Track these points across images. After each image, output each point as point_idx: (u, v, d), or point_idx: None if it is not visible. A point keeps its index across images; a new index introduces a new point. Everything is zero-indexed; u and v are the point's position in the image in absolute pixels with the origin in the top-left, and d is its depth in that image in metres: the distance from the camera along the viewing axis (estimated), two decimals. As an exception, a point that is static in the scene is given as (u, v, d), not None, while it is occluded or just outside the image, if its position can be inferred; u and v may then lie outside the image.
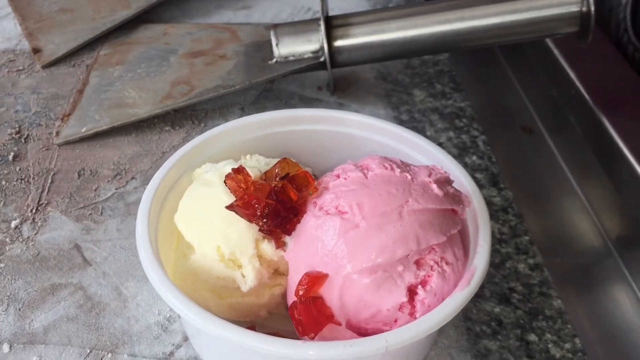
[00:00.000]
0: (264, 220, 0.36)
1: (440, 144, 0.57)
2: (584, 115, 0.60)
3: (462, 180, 0.40)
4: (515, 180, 0.57)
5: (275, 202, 0.36)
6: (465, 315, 0.43)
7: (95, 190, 0.51)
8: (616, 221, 0.58)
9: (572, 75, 0.62)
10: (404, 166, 0.38)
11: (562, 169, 0.65)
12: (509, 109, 0.73)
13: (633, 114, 0.58)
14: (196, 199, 0.39)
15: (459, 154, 0.56)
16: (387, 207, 0.35)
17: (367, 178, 0.36)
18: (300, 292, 0.34)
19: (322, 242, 0.35)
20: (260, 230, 0.37)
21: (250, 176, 0.37)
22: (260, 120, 0.46)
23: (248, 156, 0.43)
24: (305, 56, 0.59)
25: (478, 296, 0.44)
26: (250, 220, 0.36)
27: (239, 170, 0.37)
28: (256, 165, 0.40)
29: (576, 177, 0.63)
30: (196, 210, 0.39)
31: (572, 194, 0.63)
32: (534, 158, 0.66)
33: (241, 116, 0.46)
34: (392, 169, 0.37)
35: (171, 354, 0.40)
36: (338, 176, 0.37)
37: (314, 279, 0.35)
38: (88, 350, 0.40)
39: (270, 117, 0.46)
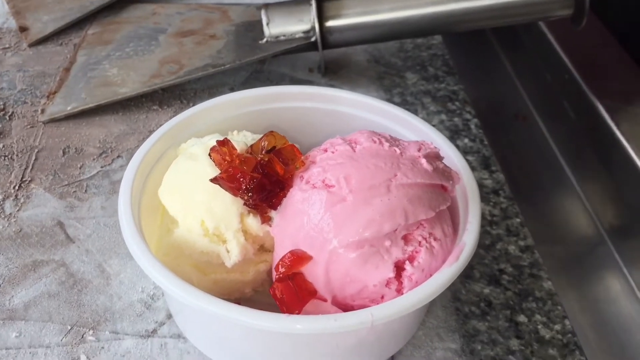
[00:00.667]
0: (249, 194, 0.35)
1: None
2: (577, 100, 0.60)
3: (452, 157, 0.40)
4: (507, 164, 0.56)
5: (261, 175, 0.35)
6: (454, 296, 0.42)
7: (80, 168, 0.50)
8: (609, 207, 0.58)
9: (565, 59, 0.62)
10: (393, 140, 0.37)
11: (555, 154, 0.64)
12: (502, 94, 0.72)
13: (627, 98, 0.57)
14: (181, 173, 0.38)
15: (451, 136, 0.55)
16: (374, 180, 0.34)
17: (355, 151, 0.36)
18: (281, 270, 0.34)
19: (308, 216, 0.34)
20: (245, 204, 0.36)
21: (235, 149, 0.37)
22: (248, 97, 0.45)
23: (235, 132, 0.42)
24: (297, 36, 0.58)
25: (467, 277, 0.43)
26: (235, 194, 0.36)
27: (224, 143, 0.36)
28: (243, 140, 0.39)
29: (569, 163, 0.63)
30: (180, 183, 0.38)
31: (565, 179, 0.62)
32: (527, 142, 0.66)
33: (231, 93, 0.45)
34: (380, 142, 0.36)
35: (154, 331, 0.39)
36: (326, 150, 0.37)
37: (298, 258, 0.34)
38: (69, 327, 0.39)
39: (258, 94, 0.45)
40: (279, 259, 0.34)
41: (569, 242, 0.58)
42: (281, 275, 0.33)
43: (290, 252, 0.34)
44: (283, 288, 0.33)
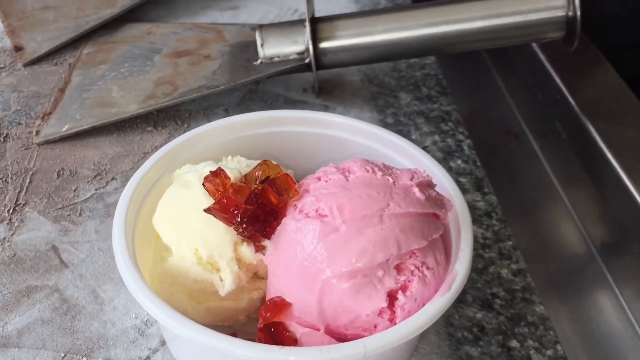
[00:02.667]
0: (243, 225, 0.35)
1: (425, 148, 0.56)
2: (569, 120, 0.60)
3: (444, 183, 0.40)
4: (499, 185, 0.57)
5: (255, 206, 0.36)
6: (447, 321, 0.42)
7: (74, 190, 0.51)
8: (600, 227, 0.58)
9: (557, 80, 0.62)
10: (386, 169, 0.37)
11: (548, 174, 0.65)
12: (496, 113, 0.73)
13: (617, 119, 0.58)
14: (175, 201, 0.38)
15: (444, 157, 0.56)
16: (367, 210, 0.34)
17: (348, 181, 0.36)
18: (262, 319, 0.34)
19: (302, 245, 0.34)
20: (239, 234, 0.36)
21: (229, 178, 0.37)
22: (242, 121, 0.45)
23: (229, 157, 0.42)
24: (291, 57, 0.58)
25: (460, 301, 0.43)
26: (228, 224, 0.36)
27: (217, 174, 0.36)
28: (237, 167, 0.40)
29: (561, 183, 0.63)
30: (174, 211, 0.38)
31: (557, 199, 0.63)
32: (519, 163, 0.66)
33: (225, 117, 0.45)
34: (373, 171, 0.36)
35: (147, 358, 0.39)
36: (319, 178, 0.37)
37: (276, 308, 0.35)
38: (62, 354, 0.39)
39: (252, 118, 0.45)
40: (261, 309, 0.35)
41: (561, 261, 0.59)
42: (262, 326, 0.34)
43: (268, 301, 0.35)
44: (265, 338, 0.34)
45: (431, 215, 0.36)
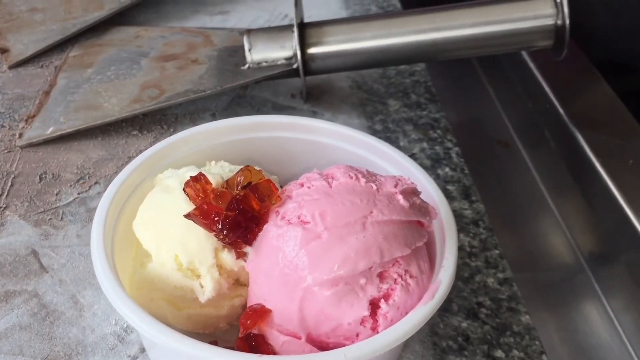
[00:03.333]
0: (224, 232, 0.35)
1: (413, 155, 0.56)
2: (558, 129, 0.60)
3: (430, 191, 0.40)
4: (488, 193, 0.56)
5: (236, 212, 0.35)
6: (431, 330, 0.42)
7: (56, 194, 0.50)
8: (588, 237, 0.58)
9: (546, 89, 0.62)
10: (370, 176, 0.37)
11: (537, 183, 0.65)
12: (485, 122, 0.73)
13: (606, 129, 0.57)
14: (155, 206, 0.38)
15: (432, 165, 0.55)
16: (350, 217, 0.34)
17: (331, 187, 0.35)
18: (242, 328, 0.34)
19: (283, 252, 0.34)
20: (220, 240, 0.36)
21: (210, 184, 0.36)
22: (226, 126, 0.44)
23: (213, 162, 0.42)
24: (279, 62, 0.58)
25: (445, 310, 0.43)
26: (209, 230, 0.35)
27: (197, 179, 0.36)
28: (220, 172, 0.39)
29: (550, 192, 0.63)
30: (155, 217, 0.37)
31: (546, 208, 0.62)
32: (508, 171, 0.66)
33: (210, 122, 0.45)
34: (357, 178, 0.36)
35: (126, 366, 0.38)
36: (302, 185, 0.36)
37: (256, 315, 0.34)
38: (39, 361, 0.38)
39: (236, 123, 0.45)
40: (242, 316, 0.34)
41: (549, 270, 0.58)
42: (242, 336, 0.34)
43: (248, 308, 0.35)
44: (244, 348, 0.34)
45: (415, 223, 0.36)
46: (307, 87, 0.61)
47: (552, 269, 0.58)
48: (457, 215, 0.49)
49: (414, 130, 0.59)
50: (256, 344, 0.34)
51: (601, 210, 0.55)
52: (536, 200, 0.63)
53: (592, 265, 0.56)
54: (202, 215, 0.35)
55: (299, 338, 0.34)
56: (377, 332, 0.33)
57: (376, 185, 0.36)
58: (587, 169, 0.55)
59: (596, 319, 0.53)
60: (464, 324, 0.42)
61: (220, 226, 0.35)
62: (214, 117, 0.60)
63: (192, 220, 0.35)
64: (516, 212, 0.63)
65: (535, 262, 0.58)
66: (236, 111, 0.60)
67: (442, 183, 0.53)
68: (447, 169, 0.55)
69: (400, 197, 0.35)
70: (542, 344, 0.42)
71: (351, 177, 0.36)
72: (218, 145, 0.44)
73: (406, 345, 0.40)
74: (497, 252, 0.48)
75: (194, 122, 0.58)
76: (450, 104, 0.68)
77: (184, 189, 0.36)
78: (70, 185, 0.51)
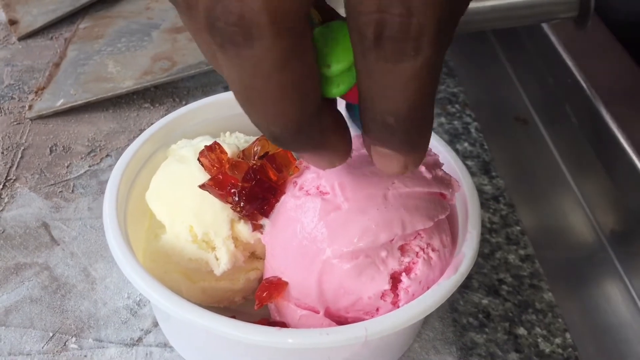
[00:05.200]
0: (241, 204, 0.34)
1: (430, 130, 0.54)
2: (580, 104, 0.58)
3: (452, 164, 0.38)
4: (507, 169, 0.55)
5: (253, 183, 0.34)
6: (451, 307, 0.41)
7: (67, 167, 0.49)
8: (611, 215, 0.56)
9: (569, 63, 0.60)
10: (391, 146, 0.35)
11: (556, 160, 0.63)
12: (503, 98, 0.71)
13: (632, 104, 0.56)
14: (169, 176, 0.37)
15: (451, 140, 0.54)
16: (371, 188, 0.32)
17: (351, 157, 0.34)
18: (257, 301, 0.33)
19: (301, 224, 0.33)
20: (236, 212, 0.35)
21: (225, 153, 0.35)
22: (241, 96, 0.43)
23: (228, 133, 0.41)
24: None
25: (466, 287, 0.42)
26: (224, 202, 0.34)
27: (212, 148, 0.35)
28: (235, 142, 0.38)
29: (570, 169, 0.61)
30: (169, 187, 0.36)
31: (566, 185, 0.61)
32: (528, 148, 0.64)
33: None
34: (378, 148, 0.34)
35: (139, 339, 0.38)
36: (321, 155, 0.35)
37: (273, 287, 0.33)
38: (51, 334, 0.38)
39: (252, 93, 0.43)
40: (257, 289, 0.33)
41: (569, 249, 0.57)
42: (256, 308, 0.33)
43: (265, 280, 0.34)
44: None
45: (437, 195, 0.35)
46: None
47: (573, 248, 0.57)
48: (477, 191, 0.48)
49: (432, 105, 0.58)
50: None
51: (625, 188, 0.53)
52: (557, 178, 0.61)
53: (613, 244, 0.55)
54: (217, 185, 0.34)
55: (317, 312, 0.33)
56: (398, 307, 0.32)
57: (397, 155, 0.34)
58: (611, 144, 0.53)
59: (618, 298, 0.52)
60: (485, 301, 0.41)
61: (236, 198, 0.34)
62: (227, 90, 0.58)
63: (207, 190, 0.34)
64: (535, 189, 0.61)
65: (555, 240, 0.57)
66: (249, 84, 0.59)
67: (461, 158, 0.52)
68: (465, 144, 0.54)
69: (422, 168, 0.34)
70: (565, 321, 0.40)
71: (372, 147, 0.34)
72: (232, 116, 0.43)
73: (425, 321, 0.39)
74: (518, 228, 0.46)
75: (206, 94, 0.57)
76: (468, 79, 0.66)
77: (198, 159, 0.35)
78: (81, 158, 0.50)
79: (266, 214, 0.35)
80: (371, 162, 0.34)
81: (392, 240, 0.32)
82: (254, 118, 0.22)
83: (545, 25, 0.64)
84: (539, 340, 0.39)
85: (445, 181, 0.35)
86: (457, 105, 0.58)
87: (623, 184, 0.53)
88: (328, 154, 0.25)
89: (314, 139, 0.23)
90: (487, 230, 0.46)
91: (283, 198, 0.34)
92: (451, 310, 0.40)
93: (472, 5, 0.54)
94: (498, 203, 0.48)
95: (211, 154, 0.35)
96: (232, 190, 0.34)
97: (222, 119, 0.43)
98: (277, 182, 0.35)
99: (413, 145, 0.23)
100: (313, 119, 0.22)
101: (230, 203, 0.34)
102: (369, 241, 0.31)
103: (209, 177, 0.34)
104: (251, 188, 0.34)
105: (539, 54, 0.66)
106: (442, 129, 0.55)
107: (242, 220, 0.35)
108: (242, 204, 0.34)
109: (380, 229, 0.32)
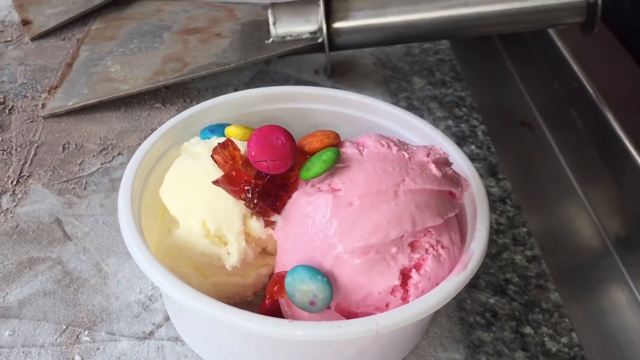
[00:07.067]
0: (254, 201, 0.34)
1: (438, 132, 0.55)
2: (586, 109, 0.59)
3: (460, 163, 0.39)
4: (513, 172, 0.56)
5: (266, 180, 0.34)
6: (459, 305, 0.41)
7: (79, 164, 0.50)
8: (616, 219, 0.57)
9: (575, 67, 0.61)
10: (402, 145, 0.36)
11: (562, 164, 0.63)
12: (508, 103, 0.72)
13: (638, 109, 0.56)
14: (183, 172, 0.37)
15: (458, 143, 0.54)
16: (382, 185, 0.33)
17: (362, 155, 0.35)
18: (268, 295, 0.33)
19: (313, 220, 0.33)
20: (249, 209, 0.35)
21: (238, 150, 0.36)
22: (252, 96, 0.44)
23: (239, 132, 0.41)
24: (303, 37, 0.57)
25: (473, 286, 0.42)
26: (237, 198, 0.35)
27: (225, 145, 0.35)
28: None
29: (576, 174, 0.62)
30: (182, 183, 0.37)
31: (571, 190, 0.61)
32: (534, 152, 0.65)
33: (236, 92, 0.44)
34: (389, 146, 0.35)
35: (151, 333, 0.38)
36: (332, 152, 0.36)
37: (284, 281, 0.33)
38: (64, 327, 0.38)
39: (263, 93, 0.44)
40: (268, 284, 0.34)
41: (574, 252, 0.57)
42: (267, 302, 0.34)
43: (276, 274, 0.34)
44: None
45: (447, 193, 0.35)
46: (331, 63, 0.60)
47: (578, 252, 0.57)
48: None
49: (439, 108, 0.59)
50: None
51: (631, 192, 0.53)
52: (562, 182, 0.62)
53: (618, 248, 0.55)
54: (230, 182, 0.34)
55: (328, 307, 0.33)
56: (408, 302, 0.33)
57: (408, 154, 0.35)
58: (618, 149, 0.54)
59: (622, 302, 0.52)
60: (492, 300, 0.42)
61: (249, 194, 0.34)
62: (236, 90, 0.59)
63: (220, 186, 0.34)
64: (541, 193, 0.62)
65: (561, 244, 0.57)
66: (259, 86, 0.58)
67: (468, 160, 0.52)
68: (472, 147, 0.54)
69: (432, 166, 0.35)
70: (572, 321, 0.41)
71: (382, 145, 0.35)
72: (244, 115, 0.44)
73: (433, 319, 0.40)
74: (524, 229, 0.47)
75: (216, 95, 0.57)
76: (475, 83, 0.67)
77: (211, 156, 0.36)
78: (94, 156, 0.50)
79: (278, 210, 0.35)
80: (382, 159, 0.34)
81: (403, 236, 0.33)
82: None
83: (551, 31, 0.65)
84: (546, 339, 0.39)
85: (455, 180, 0.36)
86: (464, 109, 0.59)
87: (628, 188, 0.54)
88: None
89: None
90: (494, 231, 0.46)
91: (295, 195, 0.35)
92: (459, 309, 0.41)
93: (479, 10, 0.55)
94: (505, 205, 0.49)
95: (224, 151, 0.36)
96: (245, 187, 0.34)
97: (233, 118, 0.43)
98: (290, 179, 0.35)
99: None
100: None
101: (243, 199, 0.35)
102: (380, 237, 0.32)
103: (222, 173, 0.35)
104: (264, 185, 0.34)
105: (545, 59, 0.67)
106: (450, 132, 0.56)
107: (254, 216, 0.35)
108: (254, 200, 0.34)
109: (391, 225, 0.32)
